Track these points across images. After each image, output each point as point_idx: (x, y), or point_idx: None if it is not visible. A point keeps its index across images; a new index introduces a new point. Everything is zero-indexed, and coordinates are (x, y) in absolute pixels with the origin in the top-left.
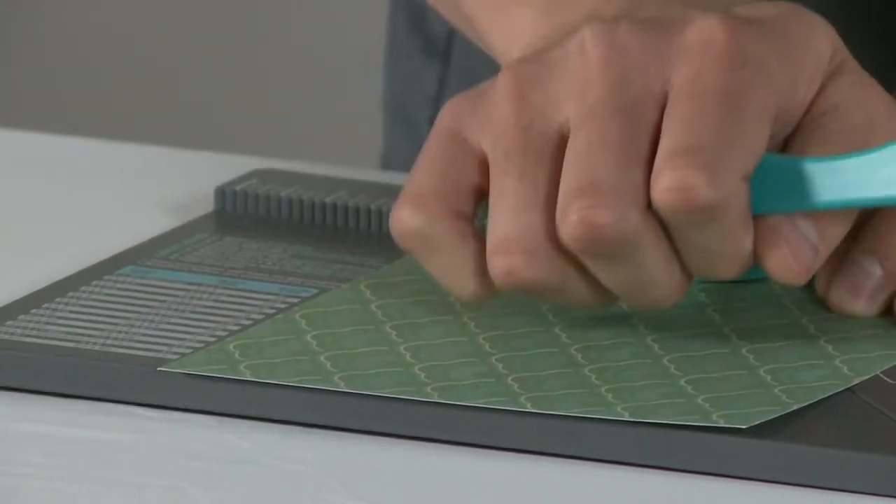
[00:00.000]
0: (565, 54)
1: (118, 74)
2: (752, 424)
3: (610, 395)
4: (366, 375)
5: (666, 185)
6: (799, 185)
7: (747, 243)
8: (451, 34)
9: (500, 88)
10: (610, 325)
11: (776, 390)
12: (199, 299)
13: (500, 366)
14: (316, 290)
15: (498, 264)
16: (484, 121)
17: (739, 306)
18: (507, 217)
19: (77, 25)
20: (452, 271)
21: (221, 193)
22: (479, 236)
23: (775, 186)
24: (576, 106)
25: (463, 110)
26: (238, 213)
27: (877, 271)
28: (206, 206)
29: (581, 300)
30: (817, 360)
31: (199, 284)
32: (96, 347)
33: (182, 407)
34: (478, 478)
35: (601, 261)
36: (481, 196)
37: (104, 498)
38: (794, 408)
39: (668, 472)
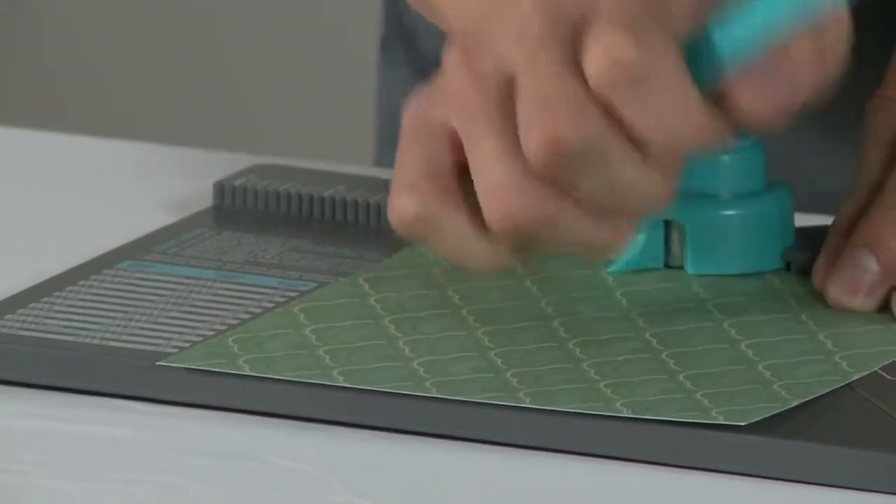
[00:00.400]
0: (501, 11)
1: (118, 74)
2: (751, 421)
3: (609, 391)
4: (364, 370)
5: (596, 55)
6: (708, 50)
7: (694, 101)
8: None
9: (450, 64)
10: (609, 320)
11: (775, 386)
12: (198, 293)
13: (499, 360)
14: (314, 284)
15: (494, 212)
16: (444, 100)
17: (739, 301)
18: (490, 168)
19: (77, 24)
20: (461, 244)
21: (220, 188)
22: (474, 203)
23: (694, 66)
24: (517, 51)
25: (422, 99)
26: (237, 207)
27: (874, 266)
28: (205, 201)
29: (580, 232)
30: (817, 356)
31: (198, 279)
32: (94, 341)
33: (180, 401)
34: (476, 473)
35: (576, 175)
36: (462, 170)
37: (101, 494)
38: (794, 404)
39: (667, 468)
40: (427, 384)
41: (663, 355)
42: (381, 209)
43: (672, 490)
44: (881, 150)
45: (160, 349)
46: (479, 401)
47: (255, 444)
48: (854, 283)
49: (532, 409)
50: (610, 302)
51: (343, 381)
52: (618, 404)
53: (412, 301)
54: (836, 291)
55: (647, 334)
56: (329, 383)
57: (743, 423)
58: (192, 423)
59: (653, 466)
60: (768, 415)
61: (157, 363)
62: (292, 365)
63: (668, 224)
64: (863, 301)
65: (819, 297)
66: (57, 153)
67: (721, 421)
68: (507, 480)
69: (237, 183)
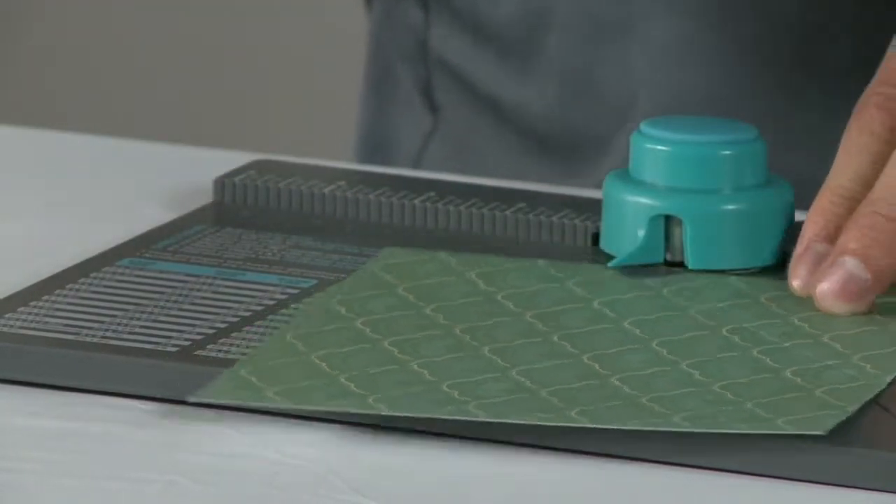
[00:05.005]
0: None
1: (118, 73)
2: (828, 430)
3: (656, 406)
4: (400, 397)
5: None
6: None
7: None
8: (442, 92)
9: None
10: (606, 332)
11: (817, 393)
12: (199, 291)
13: (526, 380)
14: (315, 281)
15: None
16: None
17: (720, 307)
18: None
19: (77, 23)
20: None
21: (220, 185)
22: None
23: None
24: None
25: None
26: (237, 204)
27: (864, 275)
28: (205, 197)
29: None
30: (835, 360)
31: (198, 276)
32: (95, 340)
33: (182, 400)
34: (480, 473)
35: None
36: None
37: (103, 493)
38: (852, 410)
39: (672, 468)
40: (470, 408)
41: (683, 366)
42: (381, 205)
43: (674, 489)
44: (875, 145)
45: (161, 347)
46: (535, 423)
47: (256, 441)
48: (845, 291)
49: (589, 428)
50: (592, 313)
51: (387, 410)
52: (675, 418)
53: (398, 322)
54: (825, 297)
55: (654, 344)
56: (374, 412)
57: (822, 433)
58: (194, 421)
59: (659, 467)
60: (838, 422)
61: (188, 399)
62: (323, 395)
63: (668, 219)
64: (853, 307)
65: (795, 299)
66: (57, 151)
67: (794, 431)
68: (511, 481)
69: (237, 179)
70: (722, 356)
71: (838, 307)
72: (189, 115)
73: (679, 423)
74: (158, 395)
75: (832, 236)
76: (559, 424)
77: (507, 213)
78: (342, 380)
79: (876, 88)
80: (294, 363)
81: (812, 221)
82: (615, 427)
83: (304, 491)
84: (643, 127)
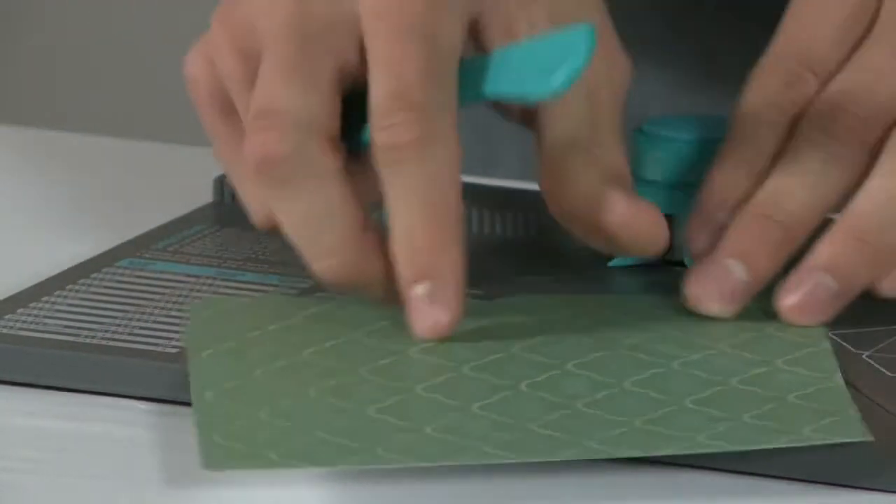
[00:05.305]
0: None
1: (118, 73)
2: (868, 435)
3: (661, 429)
4: (393, 444)
5: (382, 140)
6: (472, 78)
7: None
8: None
9: (213, 18)
10: (507, 361)
11: (791, 398)
12: (199, 291)
13: (492, 415)
14: (314, 281)
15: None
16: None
17: (624, 321)
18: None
19: (77, 24)
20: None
21: (220, 184)
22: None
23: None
24: (265, 24)
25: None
26: (237, 204)
27: (744, 277)
28: (205, 197)
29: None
30: (761, 368)
31: (198, 276)
32: (95, 341)
33: (181, 401)
34: (489, 477)
35: (276, 190)
36: None
37: (103, 493)
38: (854, 413)
39: (672, 468)
40: (487, 448)
41: (628, 386)
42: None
43: (669, 488)
44: (775, 116)
45: (160, 348)
46: (562, 460)
47: None
48: (721, 290)
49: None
50: (475, 343)
51: (393, 460)
52: (700, 438)
53: (304, 370)
54: (699, 295)
55: (571, 367)
56: (388, 466)
57: (868, 439)
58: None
59: (658, 467)
60: (860, 425)
61: (203, 468)
62: (334, 451)
63: (667, 218)
64: (728, 308)
65: (660, 311)
66: (57, 152)
67: (836, 440)
68: (518, 484)
69: None
70: (655, 372)
71: (717, 309)
72: (189, 115)
73: (706, 444)
74: (158, 396)
75: (731, 200)
76: (583, 459)
77: (507, 213)
78: (319, 433)
79: (781, 62)
80: (252, 423)
81: (713, 183)
82: (649, 455)
83: (309, 492)
84: (645, 126)
